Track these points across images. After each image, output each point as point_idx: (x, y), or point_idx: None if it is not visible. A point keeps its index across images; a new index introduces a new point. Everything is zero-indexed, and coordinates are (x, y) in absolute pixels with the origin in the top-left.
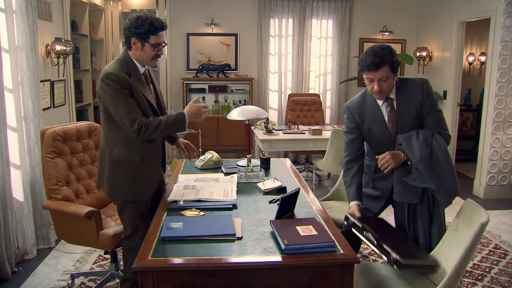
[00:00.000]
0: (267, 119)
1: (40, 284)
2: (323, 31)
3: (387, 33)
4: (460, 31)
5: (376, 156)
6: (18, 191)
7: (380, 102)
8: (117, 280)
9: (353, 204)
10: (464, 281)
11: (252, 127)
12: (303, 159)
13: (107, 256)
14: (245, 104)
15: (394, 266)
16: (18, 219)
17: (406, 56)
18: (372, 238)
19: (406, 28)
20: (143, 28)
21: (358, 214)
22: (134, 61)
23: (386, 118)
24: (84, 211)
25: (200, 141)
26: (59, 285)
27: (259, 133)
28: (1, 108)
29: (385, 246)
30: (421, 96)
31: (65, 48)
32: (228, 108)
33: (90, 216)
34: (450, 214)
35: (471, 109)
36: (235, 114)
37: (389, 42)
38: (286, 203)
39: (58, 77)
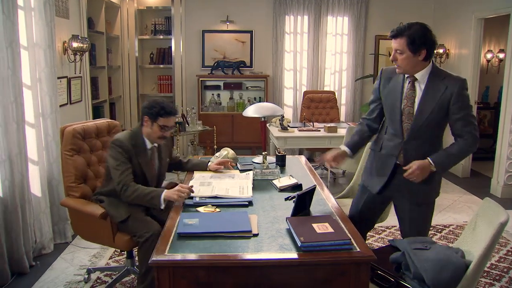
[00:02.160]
0: (282, 116)
1: (57, 278)
2: (338, 28)
3: None
4: (478, 28)
5: (404, 168)
6: (36, 187)
7: (405, 78)
8: (133, 276)
9: (343, 147)
10: (482, 281)
11: (267, 124)
12: (318, 157)
13: (123, 252)
14: (260, 101)
15: None
16: (36, 214)
17: None
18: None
19: None
20: (155, 110)
21: (331, 163)
22: (144, 136)
23: (403, 94)
24: (99, 212)
25: (214, 138)
26: (75, 279)
27: (274, 130)
28: (20, 104)
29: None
30: (450, 93)
31: (81, 45)
32: (243, 105)
33: (105, 217)
34: (466, 212)
35: (488, 107)
36: (251, 111)
37: None
38: (302, 200)
39: (75, 73)
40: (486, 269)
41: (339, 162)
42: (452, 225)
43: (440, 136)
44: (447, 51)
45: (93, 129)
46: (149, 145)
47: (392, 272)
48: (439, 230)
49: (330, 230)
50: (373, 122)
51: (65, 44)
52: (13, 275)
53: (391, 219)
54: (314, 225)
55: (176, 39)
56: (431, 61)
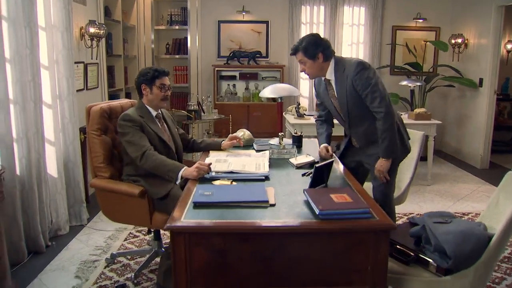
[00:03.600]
0: (298, 103)
1: (73, 258)
2: (355, 18)
3: (420, 21)
4: (499, 16)
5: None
6: (52, 167)
7: (323, 81)
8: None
9: (322, 145)
10: (503, 266)
11: (283, 113)
12: (333, 147)
13: (138, 234)
14: None
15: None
16: (52, 194)
17: (440, 43)
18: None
19: (441, 15)
20: (149, 75)
21: (325, 152)
22: (147, 106)
23: (329, 94)
24: (137, 190)
25: (230, 126)
26: (91, 259)
27: (290, 118)
28: (37, 84)
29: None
30: (350, 79)
31: (98, 31)
32: (259, 96)
33: (143, 195)
34: (485, 202)
35: (508, 99)
36: (268, 92)
37: (422, 30)
38: (320, 174)
39: (92, 59)
40: (506, 254)
41: (329, 151)
42: (471, 213)
43: None
44: (466, 40)
45: (118, 109)
46: (154, 112)
47: (412, 246)
48: None
49: (349, 200)
50: (327, 117)
51: (82, 30)
52: (29, 254)
53: (409, 207)
54: (332, 196)
55: (192, 30)
56: (333, 58)
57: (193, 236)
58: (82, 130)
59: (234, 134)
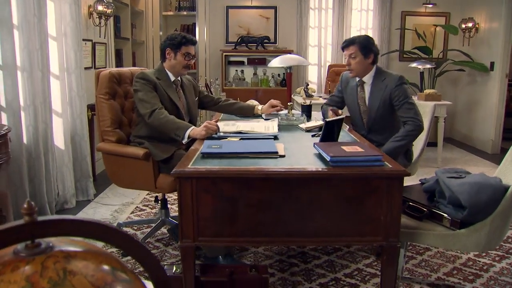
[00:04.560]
0: (307, 84)
1: None
2: (363, 3)
3: (430, 6)
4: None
5: None
6: (59, 139)
7: (357, 82)
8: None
9: (331, 108)
10: None
11: (292, 95)
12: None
13: (144, 207)
14: (283, 78)
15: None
16: (59, 166)
17: (450, 27)
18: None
19: (451, 0)
20: (177, 40)
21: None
22: (167, 70)
23: (358, 95)
24: (141, 152)
25: None
26: None
27: (298, 99)
28: (45, 53)
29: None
30: (389, 89)
31: (106, 9)
32: (267, 81)
33: (148, 157)
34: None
35: None
36: (276, 62)
37: (432, 15)
38: (330, 129)
39: (100, 37)
40: None
41: (338, 114)
42: None
43: (398, 125)
44: (477, 25)
45: (127, 75)
46: (172, 78)
47: (425, 202)
48: None
49: (360, 150)
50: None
51: (91, 9)
52: None
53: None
54: (344, 147)
55: (200, 15)
56: (375, 65)
57: (201, 182)
58: (90, 107)
59: (275, 101)
